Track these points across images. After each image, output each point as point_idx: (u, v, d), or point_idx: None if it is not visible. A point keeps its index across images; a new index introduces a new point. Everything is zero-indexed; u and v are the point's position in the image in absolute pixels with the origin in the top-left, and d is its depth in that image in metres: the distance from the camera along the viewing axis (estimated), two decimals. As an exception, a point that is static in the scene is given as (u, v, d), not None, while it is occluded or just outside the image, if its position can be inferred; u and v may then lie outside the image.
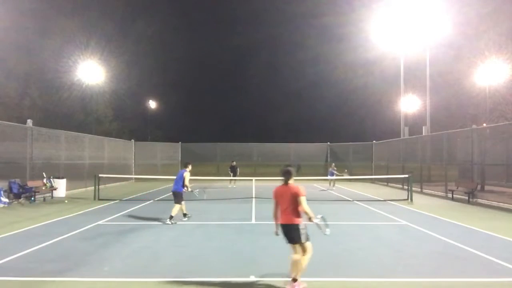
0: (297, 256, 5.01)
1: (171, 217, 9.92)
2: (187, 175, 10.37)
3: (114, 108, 48.41)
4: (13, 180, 13.91)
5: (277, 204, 5.17)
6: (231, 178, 23.32)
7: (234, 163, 24.01)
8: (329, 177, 21.48)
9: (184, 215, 10.52)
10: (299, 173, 31.64)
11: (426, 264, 6.40)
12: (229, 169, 23.72)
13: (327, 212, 12.56)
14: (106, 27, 44.86)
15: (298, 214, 5.02)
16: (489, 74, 29.51)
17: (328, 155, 31.45)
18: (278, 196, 5.15)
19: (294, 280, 4.98)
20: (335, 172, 21.50)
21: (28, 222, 10.05)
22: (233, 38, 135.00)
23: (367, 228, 9.77)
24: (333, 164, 22.74)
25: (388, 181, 24.81)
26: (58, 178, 16.56)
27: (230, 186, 23.19)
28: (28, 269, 6.02)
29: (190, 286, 5.37)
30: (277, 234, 5.22)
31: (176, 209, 10.11)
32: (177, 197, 10.29)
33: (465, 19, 31.85)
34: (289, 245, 5.14)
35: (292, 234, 4.99)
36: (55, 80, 38.40)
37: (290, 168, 5.19)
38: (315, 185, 24.60)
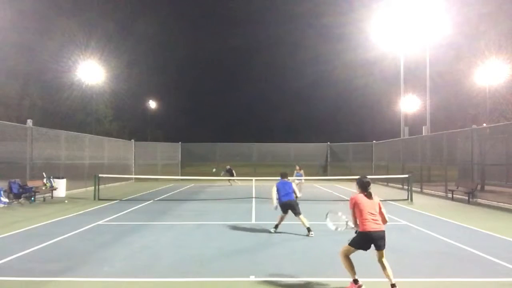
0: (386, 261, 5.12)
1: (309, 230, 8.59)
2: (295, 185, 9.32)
3: (114, 108, 48.41)
4: (13, 180, 13.90)
5: (362, 212, 5.12)
6: (230, 178, 24.08)
7: (229, 166, 24.71)
8: (296, 180, 16.86)
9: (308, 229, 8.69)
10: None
11: (426, 264, 6.40)
12: (226, 172, 24.38)
13: (327, 212, 12.58)
14: (106, 27, 44.86)
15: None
16: (489, 74, 29.50)
17: (328, 155, 31.46)
18: (363, 205, 5.15)
19: (394, 285, 4.98)
20: (301, 173, 17.49)
21: (28, 222, 10.05)
22: (233, 38, 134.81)
23: (367, 228, 9.75)
24: (297, 166, 17.92)
25: (388, 181, 24.81)
26: (58, 178, 16.56)
27: (229, 184, 24.23)
28: (28, 269, 6.02)
29: (190, 286, 5.37)
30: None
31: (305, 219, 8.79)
32: (296, 207, 8.89)
33: (465, 19, 31.86)
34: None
35: (384, 240, 5.15)
36: (55, 80, 38.41)
37: (369, 179, 5.36)
38: (315, 185, 24.61)
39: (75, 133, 20.74)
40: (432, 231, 9.07)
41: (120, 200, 15.63)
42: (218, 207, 13.66)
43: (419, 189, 19.56)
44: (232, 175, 24.25)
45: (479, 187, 15.87)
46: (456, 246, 7.60)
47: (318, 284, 5.38)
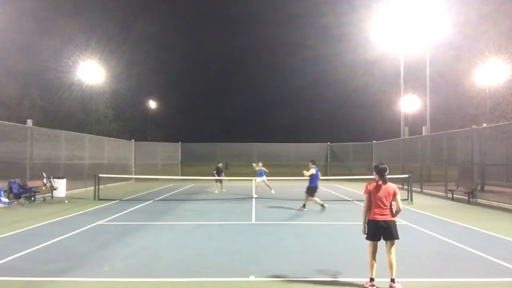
0: (393, 255, 5.20)
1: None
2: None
3: (114, 108, 48.45)
4: (13, 180, 13.90)
5: (373, 201, 5.28)
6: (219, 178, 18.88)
7: (220, 164, 19.31)
8: (258, 179, 17.17)
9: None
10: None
11: (426, 264, 6.40)
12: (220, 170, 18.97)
13: (326, 212, 12.58)
14: (106, 27, 44.95)
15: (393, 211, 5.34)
16: (489, 74, 29.47)
17: (328, 155, 31.46)
18: (375, 193, 5.28)
19: (393, 280, 5.12)
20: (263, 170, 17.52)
21: (28, 222, 10.04)
22: (233, 38, 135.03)
23: (367, 228, 9.74)
24: (261, 163, 17.77)
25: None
26: (58, 178, 16.55)
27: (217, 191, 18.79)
28: (28, 269, 6.02)
29: (190, 286, 5.37)
30: (365, 232, 5.36)
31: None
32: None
33: (465, 19, 31.85)
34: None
35: (393, 229, 5.30)
36: (55, 80, 38.42)
37: (386, 165, 5.39)
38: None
39: (75, 133, 20.72)
40: (432, 231, 9.07)
41: (120, 200, 15.63)
42: (218, 207, 13.66)
43: (419, 189, 19.56)
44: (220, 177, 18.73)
45: (479, 187, 15.86)
46: (456, 246, 7.59)
47: (318, 284, 5.38)
